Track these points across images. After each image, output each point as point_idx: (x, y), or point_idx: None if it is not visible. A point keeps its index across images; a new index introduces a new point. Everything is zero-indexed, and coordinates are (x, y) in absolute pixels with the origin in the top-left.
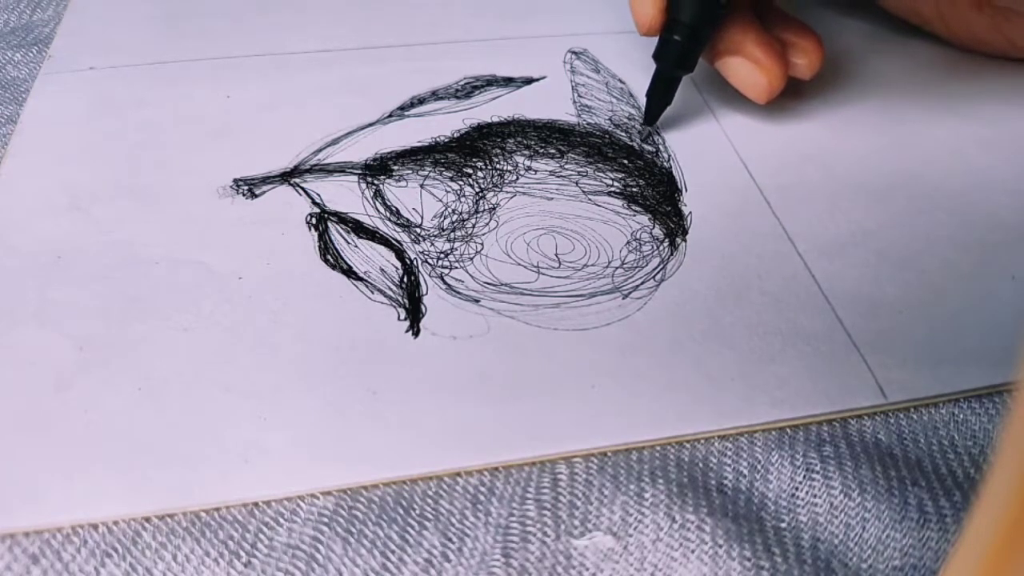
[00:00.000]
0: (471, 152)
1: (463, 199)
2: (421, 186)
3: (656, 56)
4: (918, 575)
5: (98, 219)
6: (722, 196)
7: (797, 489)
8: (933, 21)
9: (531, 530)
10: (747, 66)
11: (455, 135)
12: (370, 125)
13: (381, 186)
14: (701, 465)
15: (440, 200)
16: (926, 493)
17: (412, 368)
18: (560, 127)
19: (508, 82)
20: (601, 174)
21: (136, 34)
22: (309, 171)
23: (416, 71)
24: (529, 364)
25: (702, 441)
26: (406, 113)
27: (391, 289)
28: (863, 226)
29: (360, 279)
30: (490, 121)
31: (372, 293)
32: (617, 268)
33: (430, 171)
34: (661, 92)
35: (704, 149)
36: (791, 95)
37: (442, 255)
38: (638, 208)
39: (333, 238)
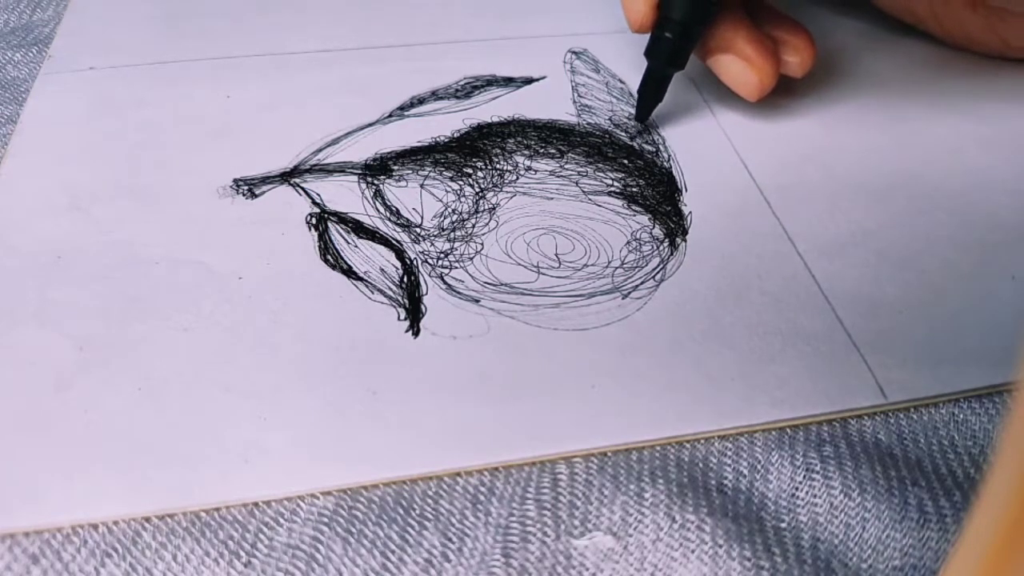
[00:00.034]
0: (471, 152)
1: (463, 199)
2: (421, 186)
3: (647, 53)
4: (918, 575)
5: (98, 219)
6: (722, 196)
7: (797, 489)
8: (927, 20)
9: (531, 530)
10: (738, 64)
11: (455, 135)
12: (370, 125)
13: (381, 186)
14: (701, 465)
15: (440, 200)
16: (926, 493)
17: (412, 368)
18: (560, 127)
19: (508, 82)
20: (601, 174)
21: (136, 34)
22: (309, 171)
23: (416, 71)
24: (529, 364)
25: (702, 441)
26: (406, 113)
27: (391, 289)
28: (863, 226)
29: (360, 279)
30: (490, 121)
31: (372, 293)
32: (617, 268)
33: (430, 171)
34: (652, 89)
35: (704, 149)
36: (789, 94)
37: (442, 255)
38: (638, 208)
39: (333, 238)
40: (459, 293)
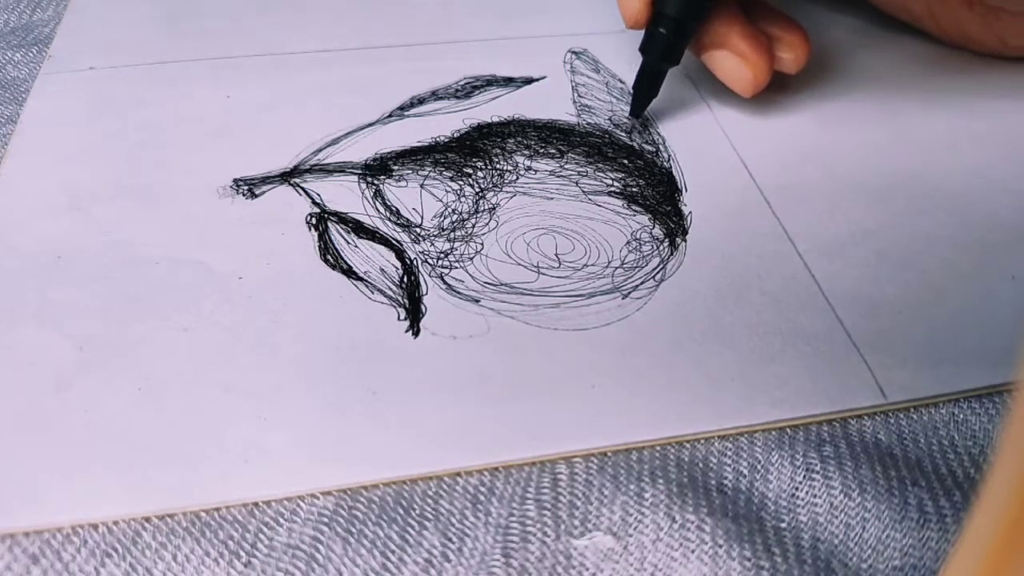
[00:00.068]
0: (471, 152)
1: (463, 199)
2: (421, 186)
3: (642, 49)
4: (918, 575)
5: (98, 219)
6: (722, 196)
7: (797, 489)
8: (923, 18)
9: (531, 530)
10: (732, 60)
11: (455, 135)
12: (370, 125)
13: (381, 186)
14: (701, 465)
15: (440, 200)
16: (926, 493)
17: (412, 368)
18: (560, 127)
19: (508, 82)
20: (601, 174)
21: (136, 34)
22: (309, 171)
23: (416, 71)
24: (529, 364)
25: (702, 441)
26: (406, 113)
27: (391, 289)
28: (863, 226)
29: (360, 279)
30: (490, 121)
31: (372, 293)
32: (617, 268)
33: (430, 171)
34: (647, 85)
35: (703, 147)
36: (785, 90)
37: (442, 255)
38: (638, 208)
39: (333, 238)
40: (459, 293)
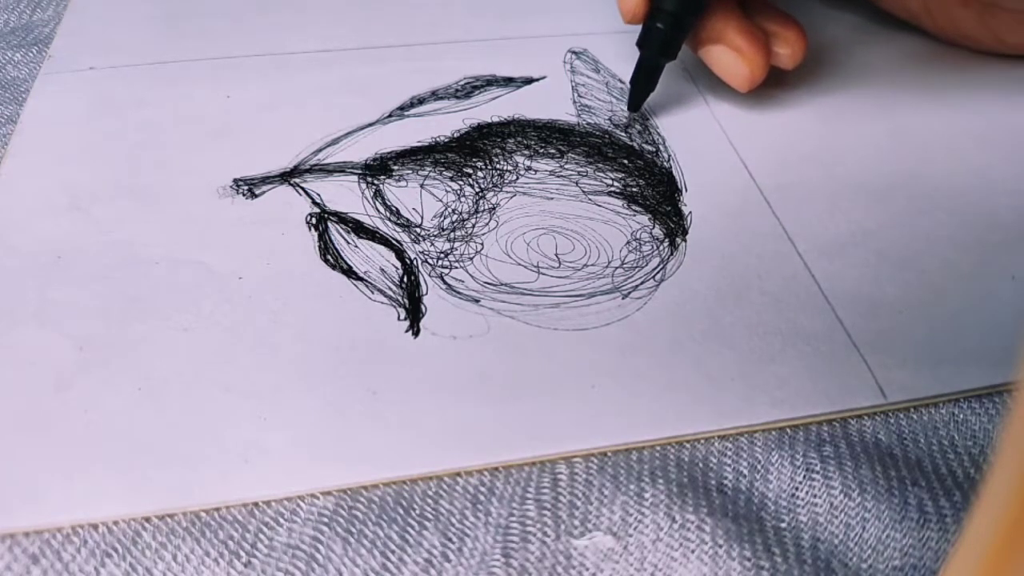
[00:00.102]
0: (471, 152)
1: (463, 199)
2: (421, 186)
3: (640, 43)
4: (918, 575)
5: (98, 219)
6: (722, 196)
7: (797, 489)
8: (920, 15)
9: (531, 530)
10: (729, 55)
11: (455, 135)
12: (370, 125)
13: (381, 186)
14: (701, 465)
15: (440, 200)
16: (926, 493)
17: (412, 368)
18: (560, 127)
19: (508, 82)
20: (601, 174)
21: (136, 34)
22: (309, 171)
23: (416, 71)
24: (529, 364)
25: (702, 441)
26: (406, 113)
27: (391, 289)
28: (863, 226)
29: (360, 279)
30: (490, 121)
31: (372, 293)
32: (617, 268)
33: (430, 171)
34: (644, 79)
35: (703, 148)
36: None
37: (442, 255)
38: (638, 208)
39: (333, 238)
40: (459, 293)
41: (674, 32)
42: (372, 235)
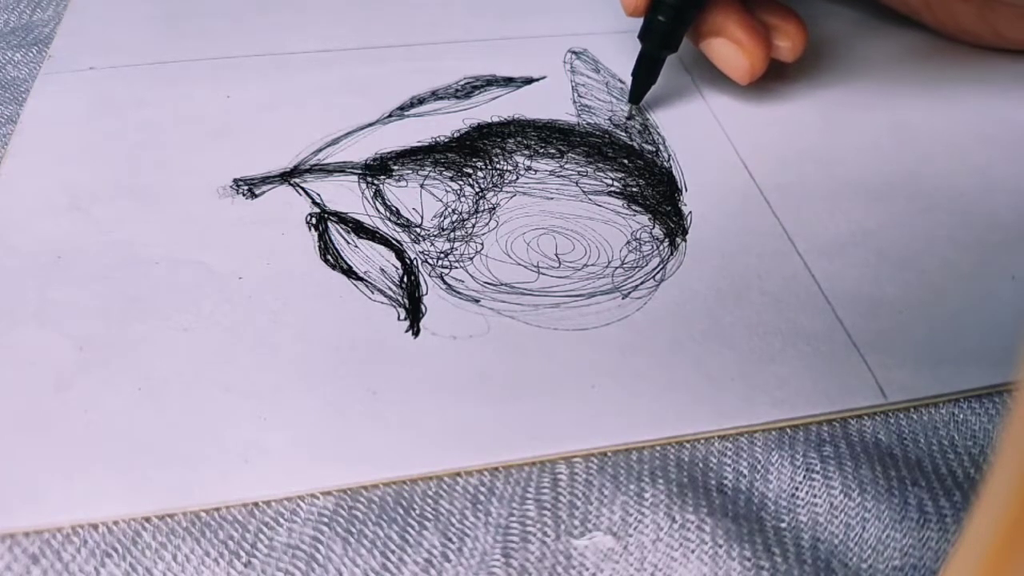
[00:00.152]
0: (471, 152)
1: (463, 199)
2: (421, 186)
3: (641, 36)
4: (918, 575)
5: (98, 219)
6: (722, 196)
7: (797, 489)
8: (920, 10)
9: (531, 530)
10: (730, 47)
11: (455, 135)
12: (370, 125)
13: (381, 186)
14: (701, 465)
15: (440, 200)
16: (926, 493)
17: (412, 368)
18: (560, 127)
19: (508, 82)
20: (601, 174)
21: (136, 34)
22: (309, 171)
23: (416, 71)
24: (529, 364)
25: (702, 441)
26: (406, 113)
27: (391, 289)
28: (863, 226)
29: (360, 279)
30: (490, 121)
31: (372, 293)
32: (617, 268)
33: (430, 171)
34: (646, 72)
35: (703, 148)
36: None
37: (442, 255)
38: (638, 208)
39: (333, 238)
40: (459, 293)
41: (675, 25)
42: (372, 235)
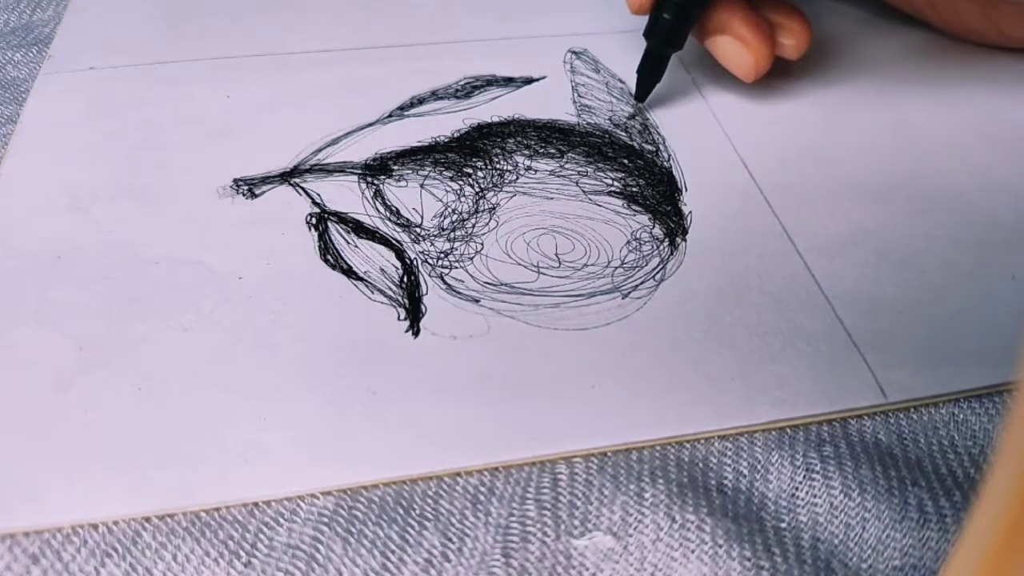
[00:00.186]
0: (471, 152)
1: (463, 199)
2: (421, 186)
3: (646, 34)
4: (918, 575)
5: (98, 219)
6: (722, 196)
7: (797, 489)
8: (924, 9)
9: (531, 530)
10: (735, 45)
11: (455, 135)
12: (370, 125)
13: (381, 186)
14: (701, 465)
15: (440, 200)
16: (926, 493)
17: (412, 368)
18: (560, 127)
19: (508, 82)
20: (601, 174)
21: (136, 34)
22: (309, 171)
23: (416, 71)
24: (529, 364)
25: (702, 441)
26: (406, 113)
27: (391, 289)
28: (863, 226)
29: (360, 279)
30: (490, 121)
31: (372, 293)
32: (617, 268)
33: (430, 171)
34: (651, 70)
35: (703, 148)
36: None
37: (442, 255)
38: (638, 208)
39: (333, 238)
40: (459, 293)
41: (680, 22)
42: (372, 235)
